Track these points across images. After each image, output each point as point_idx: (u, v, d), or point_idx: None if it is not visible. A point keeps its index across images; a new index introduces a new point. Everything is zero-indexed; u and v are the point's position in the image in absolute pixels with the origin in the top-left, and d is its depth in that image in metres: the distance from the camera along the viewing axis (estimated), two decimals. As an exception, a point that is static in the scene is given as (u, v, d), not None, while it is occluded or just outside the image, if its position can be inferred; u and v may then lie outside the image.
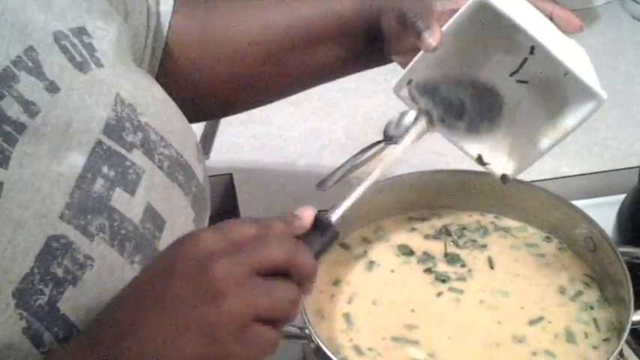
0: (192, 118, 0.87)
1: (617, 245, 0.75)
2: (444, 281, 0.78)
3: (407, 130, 0.70)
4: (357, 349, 0.71)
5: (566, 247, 0.81)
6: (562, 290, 0.76)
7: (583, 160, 1.05)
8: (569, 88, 0.66)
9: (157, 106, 0.66)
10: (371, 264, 0.80)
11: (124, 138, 0.60)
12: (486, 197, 0.84)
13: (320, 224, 0.56)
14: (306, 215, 0.56)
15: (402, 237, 0.83)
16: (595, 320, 0.73)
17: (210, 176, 1.03)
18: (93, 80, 0.60)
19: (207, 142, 1.07)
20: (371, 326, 0.73)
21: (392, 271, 0.79)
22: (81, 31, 0.61)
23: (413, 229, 0.84)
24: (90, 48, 0.61)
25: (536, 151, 0.70)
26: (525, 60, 0.67)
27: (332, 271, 0.79)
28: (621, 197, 0.89)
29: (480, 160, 0.73)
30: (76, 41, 0.60)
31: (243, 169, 1.04)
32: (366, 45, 0.77)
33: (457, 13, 0.65)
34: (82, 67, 0.60)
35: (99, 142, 0.58)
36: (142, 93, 0.64)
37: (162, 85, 0.78)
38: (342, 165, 1.03)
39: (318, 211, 0.57)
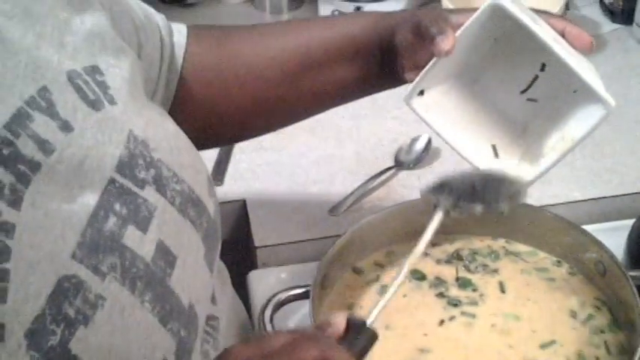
0: (209, 144, 0.88)
1: (627, 269, 0.76)
2: (455, 305, 0.79)
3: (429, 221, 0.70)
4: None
5: (577, 271, 0.82)
6: (573, 314, 0.77)
7: (593, 185, 1.05)
8: (577, 98, 0.66)
9: (169, 142, 0.66)
10: (383, 288, 0.81)
11: (137, 175, 0.60)
12: (497, 222, 0.85)
13: (354, 326, 0.58)
14: (338, 321, 0.58)
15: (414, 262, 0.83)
16: (606, 343, 0.74)
17: (223, 202, 1.05)
18: (106, 118, 0.60)
19: (220, 168, 1.09)
20: (384, 350, 0.73)
21: (404, 295, 0.80)
22: (94, 70, 0.62)
23: (425, 254, 0.84)
24: (103, 86, 0.61)
25: (544, 164, 0.70)
26: (536, 77, 0.68)
27: (345, 296, 0.80)
28: (631, 222, 0.89)
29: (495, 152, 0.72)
30: (89, 79, 0.61)
31: (256, 195, 1.05)
32: (381, 64, 0.78)
33: (472, 17, 0.66)
34: (95, 105, 0.60)
35: (112, 180, 0.58)
36: (155, 129, 0.65)
37: (177, 112, 0.79)
38: (354, 191, 1.04)
39: (350, 315, 0.59)
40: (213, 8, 1.51)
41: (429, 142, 1.11)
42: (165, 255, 0.60)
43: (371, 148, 1.13)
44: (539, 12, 0.70)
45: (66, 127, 0.56)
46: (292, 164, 1.11)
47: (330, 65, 0.80)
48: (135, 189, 0.59)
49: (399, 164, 1.09)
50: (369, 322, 0.60)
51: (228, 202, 1.05)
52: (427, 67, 0.67)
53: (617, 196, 1.03)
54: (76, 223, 0.54)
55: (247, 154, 1.12)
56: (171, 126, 0.69)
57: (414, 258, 0.67)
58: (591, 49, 0.69)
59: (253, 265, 0.99)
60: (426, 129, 1.11)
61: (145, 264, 0.57)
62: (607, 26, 1.39)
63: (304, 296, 0.76)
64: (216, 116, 0.83)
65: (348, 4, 1.39)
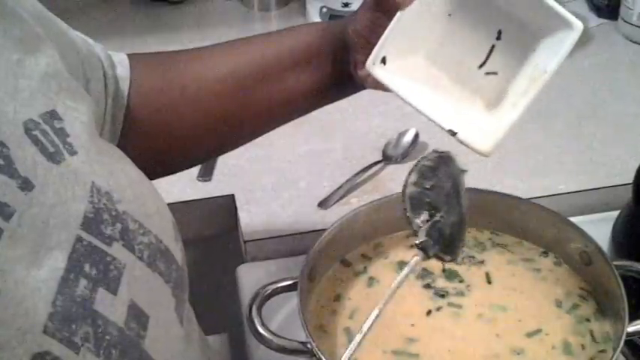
0: (167, 171, 0.85)
1: (612, 259, 0.76)
2: (442, 296, 0.79)
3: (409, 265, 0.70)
4: (359, 363, 0.72)
5: (562, 261, 0.83)
6: (559, 304, 0.78)
7: (578, 177, 1.06)
8: (542, 36, 0.66)
9: (133, 189, 0.62)
10: (371, 280, 0.81)
11: (103, 232, 0.56)
12: (484, 214, 0.86)
13: None
14: None
15: (400, 254, 0.84)
16: (591, 332, 0.75)
17: (212, 197, 1.06)
18: (67, 171, 0.56)
19: (209, 164, 1.09)
20: (372, 341, 0.74)
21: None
22: (52, 115, 0.58)
23: (411, 246, 0.85)
24: (62, 134, 0.58)
25: (520, 106, 0.67)
26: (493, 47, 0.68)
27: (333, 288, 0.80)
28: (615, 213, 0.90)
29: (452, 133, 0.69)
30: (47, 128, 0.57)
31: (244, 190, 1.06)
32: (335, 68, 0.76)
33: None
34: (54, 158, 0.56)
35: (79, 239, 0.54)
36: (117, 177, 0.61)
37: (129, 145, 0.76)
38: (342, 185, 1.05)
39: None
40: (201, 6, 1.51)
41: (417, 136, 1.12)
42: (138, 316, 0.56)
43: (359, 143, 1.14)
44: None
45: (26, 185, 0.52)
46: (280, 159, 1.11)
47: (285, 74, 0.78)
48: (103, 246, 0.56)
49: (386, 158, 1.10)
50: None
51: (217, 197, 1.06)
52: (387, 29, 0.66)
53: (602, 188, 1.04)
54: (45, 292, 0.50)
55: (235, 149, 1.12)
56: (132, 170, 0.65)
57: (388, 295, 0.68)
58: None
59: (242, 259, 1.00)
60: (413, 123, 1.13)
61: (118, 329, 0.54)
62: (593, 21, 1.40)
63: (292, 288, 0.76)
64: (171, 141, 0.81)
65: (335, 0, 1.40)
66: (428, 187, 0.70)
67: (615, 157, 1.09)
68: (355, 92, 0.79)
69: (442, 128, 0.69)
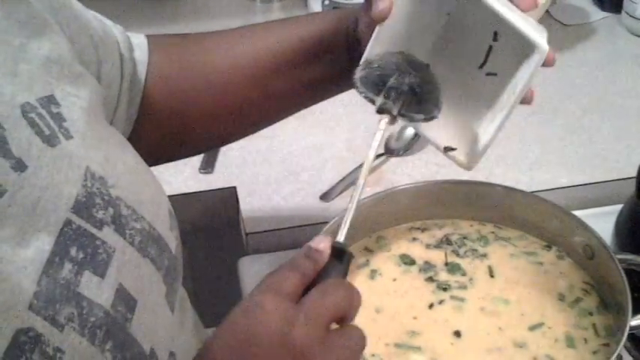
0: (180, 154, 0.86)
1: (615, 253, 0.76)
2: (445, 290, 0.79)
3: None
4: (361, 356, 0.72)
5: (565, 255, 0.82)
6: (561, 297, 0.78)
7: (581, 171, 1.06)
8: (521, 54, 0.65)
9: (128, 176, 0.62)
10: (373, 273, 0.81)
11: (94, 215, 0.56)
12: (487, 207, 0.86)
13: (335, 251, 0.58)
14: (325, 246, 0.58)
15: (403, 247, 0.84)
16: (594, 326, 0.75)
17: (214, 190, 1.05)
18: (62, 154, 0.56)
19: (211, 155, 1.09)
20: (374, 333, 0.74)
21: (394, 280, 0.81)
22: (49, 100, 0.58)
23: (414, 239, 0.85)
24: (58, 118, 0.58)
25: (491, 128, 0.68)
26: (490, 48, 0.67)
27: (335, 280, 0.80)
28: (619, 207, 0.90)
29: (447, 149, 0.70)
30: (44, 112, 0.57)
31: (246, 183, 1.06)
32: (350, 60, 0.75)
33: None
34: (50, 140, 0.56)
35: (68, 222, 0.54)
36: (113, 163, 0.61)
37: (143, 127, 0.77)
38: (345, 178, 1.04)
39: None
40: (204, -3, 1.51)
41: (419, 129, 1.11)
42: (126, 299, 0.57)
43: (361, 136, 1.13)
44: None
45: (19, 165, 0.53)
46: (283, 151, 1.11)
47: (300, 65, 0.78)
48: (92, 230, 0.56)
49: (389, 151, 1.09)
50: (341, 237, 0.60)
51: (219, 189, 1.05)
52: (372, 37, 0.66)
53: (605, 181, 1.04)
54: (31, 271, 0.51)
55: (238, 141, 1.12)
56: (130, 158, 0.65)
57: (368, 165, 0.64)
58: (531, 6, 0.67)
59: (244, 252, 1.00)
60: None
61: (104, 311, 0.54)
62: (596, 15, 1.40)
63: (294, 281, 0.76)
64: (186, 125, 0.81)
65: (338, -8, 1.40)
66: (375, 66, 0.67)
67: (618, 151, 1.09)
68: None
69: (436, 145, 0.70)
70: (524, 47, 0.64)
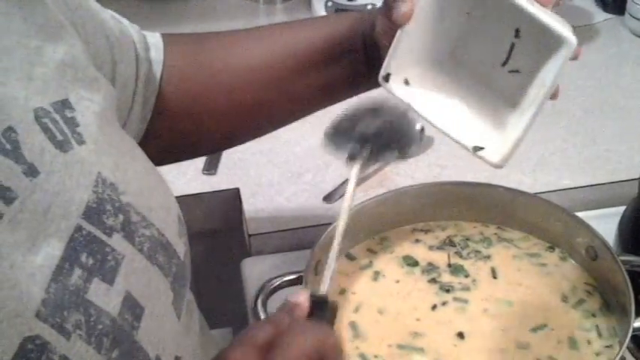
0: (193, 154, 0.87)
1: (618, 254, 0.76)
2: (448, 291, 0.79)
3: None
4: (363, 357, 0.72)
5: (568, 256, 0.82)
6: (564, 299, 0.78)
7: (584, 172, 1.06)
8: (547, 48, 0.64)
9: (139, 182, 0.62)
10: (376, 274, 0.81)
11: (105, 222, 0.56)
12: (490, 209, 0.86)
13: (316, 302, 0.58)
14: (303, 300, 0.57)
15: (406, 248, 0.84)
16: (597, 327, 0.75)
17: (217, 191, 1.05)
18: (74, 160, 0.56)
19: (214, 157, 1.09)
20: (377, 334, 0.74)
21: (397, 281, 0.81)
22: (64, 104, 0.58)
23: (417, 241, 0.85)
24: (72, 123, 0.58)
25: (521, 124, 0.66)
26: (513, 45, 0.67)
27: (338, 281, 0.80)
28: (622, 208, 0.90)
29: (476, 149, 0.69)
30: (57, 117, 0.57)
31: (249, 184, 1.06)
32: (367, 62, 0.76)
33: None
34: (62, 146, 0.56)
35: (78, 228, 0.54)
36: (124, 169, 0.61)
37: (157, 126, 0.77)
38: (347, 179, 1.04)
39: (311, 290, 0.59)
40: (207, -1, 1.51)
41: (422, 130, 1.11)
42: (133, 307, 0.57)
43: (364, 137, 1.13)
44: None
45: (31, 171, 0.52)
46: (286, 153, 1.11)
47: (318, 67, 0.78)
48: (102, 237, 0.56)
49: (392, 153, 1.09)
50: (324, 289, 0.59)
51: (222, 190, 1.06)
52: (394, 41, 0.65)
53: (608, 183, 1.04)
54: (40, 278, 0.50)
55: (241, 143, 1.12)
56: (141, 163, 0.65)
57: (345, 210, 0.64)
58: (551, 1, 0.66)
59: (247, 253, 1.00)
60: (418, 117, 1.12)
61: (111, 319, 0.54)
62: (599, 16, 1.40)
63: (297, 282, 0.76)
64: (199, 125, 0.81)
65: (341, -6, 1.40)
66: (341, 117, 0.67)
67: (621, 152, 1.09)
68: None
69: (464, 146, 0.68)
70: (551, 41, 0.63)
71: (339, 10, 1.40)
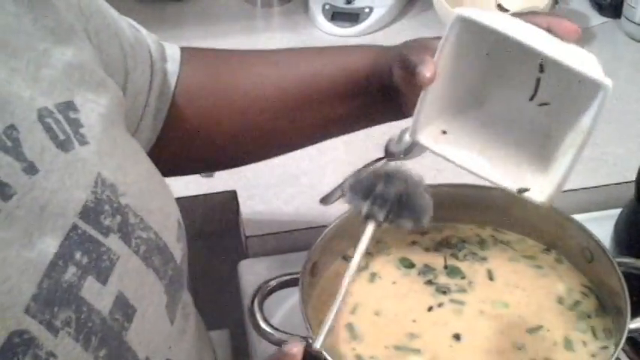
0: (204, 169, 0.88)
1: (614, 256, 0.76)
2: (444, 293, 0.79)
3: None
4: (360, 358, 0.73)
5: (564, 258, 0.83)
6: (560, 300, 0.78)
7: (581, 174, 1.05)
8: (579, 90, 0.63)
9: (140, 185, 0.62)
10: (373, 276, 0.82)
11: (101, 222, 0.57)
12: (486, 211, 0.86)
13: (309, 356, 0.59)
14: (297, 351, 0.58)
15: (402, 250, 0.84)
16: (593, 329, 0.75)
17: (214, 193, 1.06)
18: (74, 160, 0.56)
19: (211, 159, 1.09)
20: (373, 336, 0.75)
21: (393, 283, 0.81)
22: (68, 106, 0.58)
23: (413, 242, 0.85)
24: (75, 124, 0.58)
25: (561, 168, 0.66)
26: (539, 80, 0.66)
27: (334, 283, 0.80)
28: (618, 211, 0.90)
29: (520, 191, 0.67)
30: (60, 118, 0.57)
31: (247, 186, 1.06)
32: (383, 101, 0.76)
33: (443, 36, 0.63)
34: (64, 146, 0.56)
35: (74, 227, 0.55)
36: (126, 171, 0.61)
37: (165, 137, 0.77)
38: (344, 181, 1.04)
39: (305, 340, 0.61)
40: (205, 2, 1.51)
41: (419, 133, 1.12)
42: (124, 308, 0.57)
43: (361, 139, 1.13)
44: (521, 14, 0.68)
45: (30, 169, 0.53)
46: (283, 155, 1.11)
47: (332, 101, 0.78)
48: (98, 237, 0.56)
49: (388, 155, 1.09)
50: (318, 344, 0.60)
51: (219, 192, 1.06)
52: (419, 100, 0.65)
53: (604, 185, 1.04)
54: (32, 273, 0.51)
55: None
56: (144, 167, 0.66)
57: (352, 272, 0.66)
58: (577, 36, 0.66)
59: (244, 255, 1.00)
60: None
61: (101, 318, 0.54)
62: (595, 19, 1.40)
63: (294, 283, 0.76)
64: (207, 142, 0.81)
65: (338, -3, 1.41)
66: (363, 175, 0.68)
67: (617, 155, 1.09)
68: (402, 119, 0.78)
69: (509, 189, 0.67)
70: (584, 86, 0.62)
71: (337, 13, 1.40)
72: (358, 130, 0.84)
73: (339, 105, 0.79)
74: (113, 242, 0.57)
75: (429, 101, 0.65)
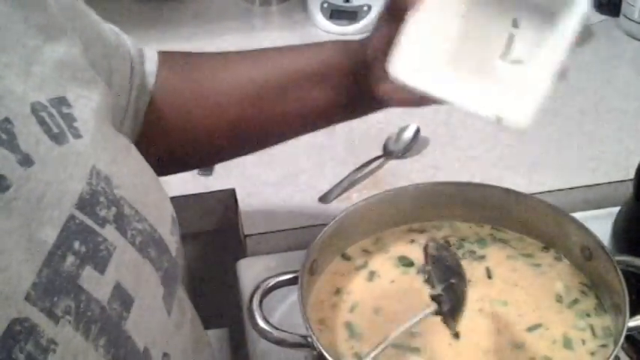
0: (178, 168, 0.88)
1: (612, 254, 0.76)
2: (443, 291, 0.79)
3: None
4: (359, 357, 0.72)
5: (563, 256, 0.83)
6: (559, 299, 0.78)
7: (579, 173, 1.06)
8: (557, 16, 0.66)
9: (133, 178, 0.63)
10: (371, 274, 0.81)
11: (97, 213, 0.57)
12: (485, 209, 0.86)
13: None
14: None
15: (401, 248, 0.84)
16: (592, 327, 0.75)
17: (213, 191, 1.06)
18: (69, 153, 0.57)
19: (210, 158, 1.09)
20: (372, 334, 0.74)
21: (392, 281, 0.81)
22: (60, 102, 0.59)
23: (412, 241, 0.85)
24: (68, 118, 0.59)
25: (540, 89, 0.66)
26: (512, 37, 0.67)
27: (333, 282, 0.80)
28: (617, 209, 0.90)
29: (498, 118, 0.67)
30: (54, 112, 0.58)
31: (245, 184, 1.06)
32: (356, 85, 0.77)
33: None
34: (58, 139, 0.57)
35: (72, 217, 0.55)
36: (120, 164, 0.62)
37: (145, 138, 0.78)
38: (343, 179, 1.05)
39: None
40: (202, 1, 1.51)
41: (418, 131, 1.12)
42: (122, 297, 0.57)
43: (360, 138, 1.14)
44: None
45: (26, 161, 0.53)
46: (281, 153, 1.11)
47: (306, 89, 0.79)
48: (95, 227, 0.57)
49: (387, 153, 1.10)
50: None
51: (218, 191, 1.06)
52: (399, 33, 0.66)
53: (603, 184, 1.04)
54: (32, 262, 0.51)
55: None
56: (136, 160, 0.66)
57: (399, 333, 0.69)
58: None
59: (243, 254, 1.00)
60: (414, 119, 1.13)
61: (100, 307, 0.55)
62: (594, 17, 1.40)
63: (293, 282, 0.76)
64: (186, 141, 0.82)
65: (337, -5, 1.40)
66: (444, 255, 0.74)
67: (616, 153, 1.09)
68: (376, 111, 0.80)
69: (484, 117, 0.66)
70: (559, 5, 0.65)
71: (335, 11, 1.40)
72: (338, 121, 0.85)
73: (314, 93, 0.79)
74: (109, 233, 0.58)
75: (408, 35, 0.66)
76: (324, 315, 0.77)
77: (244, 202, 1.03)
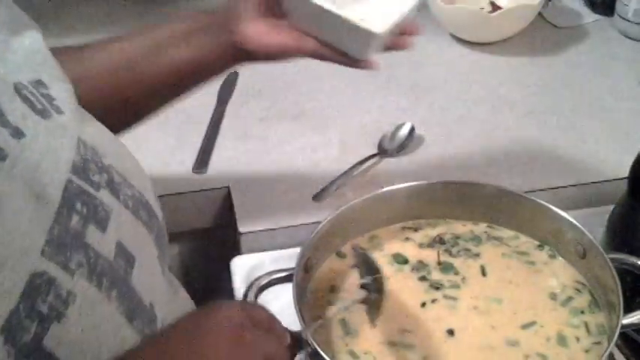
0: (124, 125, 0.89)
1: (607, 252, 0.77)
2: (437, 289, 0.79)
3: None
4: (353, 354, 0.72)
5: (557, 254, 0.83)
6: (553, 296, 0.78)
7: (573, 171, 1.07)
8: None
9: (115, 148, 0.67)
10: (366, 272, 0.81)
11: (91, 178, 0.61)
12: (480, 207, 0.86)
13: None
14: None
15: (396, 246, 0.84)
16: (586, 324, 0.75)
17: (207, 189, 1.06)
18: (55, 125, 0.61)
19: (204, 156, 1.09)
20: (367, 332, 0.74)
21: (387, 279, 0.81)
22: (38, 83, 0.63)
23: (407, 239, 0.85)
24: (48, 97, 0.63)
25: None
26: None
27: (328, 279, 0.80)
28: (611, 207, 0.90)
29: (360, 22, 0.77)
30: (35, 92, 0.62)
31: (240, 182, 1.06)
32: (218, 43, 0.82)
33: None
34: (43, 113, 0.61)
35: (70, 181, 0.59)
36: (102, 136, 0.66)
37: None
38: (338, 178, 1.05)
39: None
40: (196, 0, 1.51)
41: (412, 130, 1.12)
42: (125, 255, 0.61)
43: (354, 136, 1.14)
44: None
45: (17, 133, 0.57)
46: (276, 151, 1.11)
47: (174, 49, 0.83)
48: (91, 190, 0.60)
49: (382, 152, 1.10)
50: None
51: (213, 189, 1.06)
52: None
53: (597, 182, 1.04)
54: (42, 221, 0.54)
55: (231, 141, 1.12)
56: (112, 134, 0.70)
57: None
58: None
59: (237, 251, 1.00)
60: (408, 117, 1.13)
61: (108, 262, 0.58)
62: (588, 17, 1.40)
63: (287, 279, 0.76)
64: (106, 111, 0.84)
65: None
66: (368, 256, 0.80)
67: (610, 152, 1.09)
68: (245, 63, 0.83)
69: (351, 21, 0.76)
70: None
71: None
72: (211, 74, 0.87)
73: (182, 50, 0.83)
74: (105, 196, 0.61)
75: None
76: (318, 312, 0.77)
77: (239, 199, 1.03)
